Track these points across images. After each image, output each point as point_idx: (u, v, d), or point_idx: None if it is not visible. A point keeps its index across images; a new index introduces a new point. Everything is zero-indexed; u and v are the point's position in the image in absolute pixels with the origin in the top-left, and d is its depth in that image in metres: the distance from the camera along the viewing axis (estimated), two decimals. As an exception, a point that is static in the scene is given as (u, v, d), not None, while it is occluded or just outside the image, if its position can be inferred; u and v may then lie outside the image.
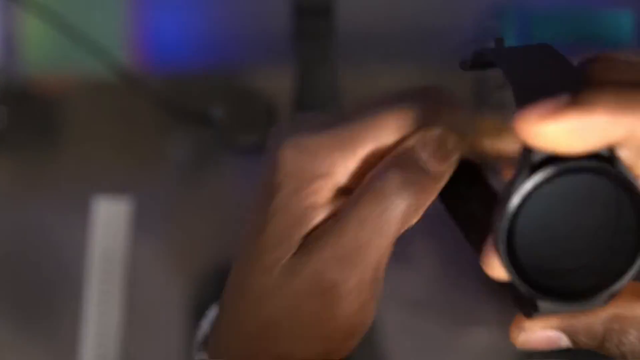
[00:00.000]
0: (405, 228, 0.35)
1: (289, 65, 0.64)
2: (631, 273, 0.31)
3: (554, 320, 0.33)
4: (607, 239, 0.31)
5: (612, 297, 0.32)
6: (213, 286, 0.70)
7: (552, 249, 0.31)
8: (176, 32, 0.79)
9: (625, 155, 0.30)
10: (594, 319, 0.32)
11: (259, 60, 0.77)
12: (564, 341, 0.33)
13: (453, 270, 0.68)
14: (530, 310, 0.32)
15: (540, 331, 0.33)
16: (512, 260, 0.31)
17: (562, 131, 0.28)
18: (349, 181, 0.36)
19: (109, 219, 0.62)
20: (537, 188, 0.30)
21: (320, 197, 0.36)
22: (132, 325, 0.66)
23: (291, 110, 0.63)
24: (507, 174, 0.36)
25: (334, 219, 0.35)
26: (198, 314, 0.70)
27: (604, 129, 0.28)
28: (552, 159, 0.29)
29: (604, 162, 0.29)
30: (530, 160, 0.29)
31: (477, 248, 0.34)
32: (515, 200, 0.30)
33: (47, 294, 0.70)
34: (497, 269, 0.32)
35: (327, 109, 0.62)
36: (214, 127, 0.64)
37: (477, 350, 0.68)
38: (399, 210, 0.34)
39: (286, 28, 0.64)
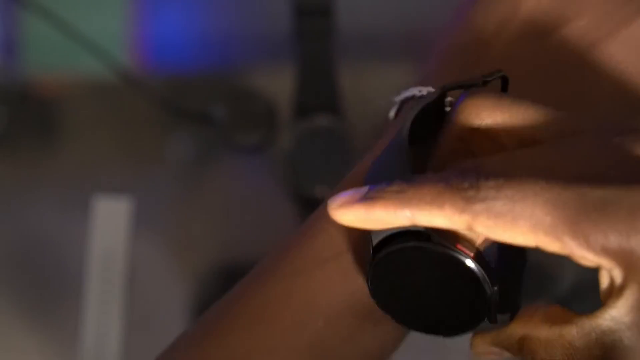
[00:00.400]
0: None
1: (289, 65, 0.64)
2: (473, 327, 0.37)
3: (488, 339, 0.37)
4: (451, 295, 0.36)
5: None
6: (213, 286, 0.70)
7: (413, 302, 0.37)
8: (176, 32, 0.79)
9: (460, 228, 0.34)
10: (511, 338, 0.36)
11: (259, 60, 0.77)
12: (506, 354, 0.38)
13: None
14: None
15: (486, 348, 0.38)
16: (377, 299, 0.37)
17: (355, 218, 0.35)
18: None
19: (109, 218, 0.62)
20: (378, 266, 0.36)
21: None
22: (132, 325, 0.66)
23: (291, 110, 0.63)
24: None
25: None
26: (198, 313, 0.70)
27: (385, 219, 0.34)
28: (388, 238, 0.35)
29: (420, 238, 0.35)
30: (371, 241, 0.36)
31: None
32: (370, 277, 0.36)
33: (47, 294, 0.70)
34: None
35: (328, 109, 0.62)
36: (214, 127, 0.64)
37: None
38: None
39: (286, 28, 0.64)
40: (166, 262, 0.70)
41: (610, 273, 0.34)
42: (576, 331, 0.34)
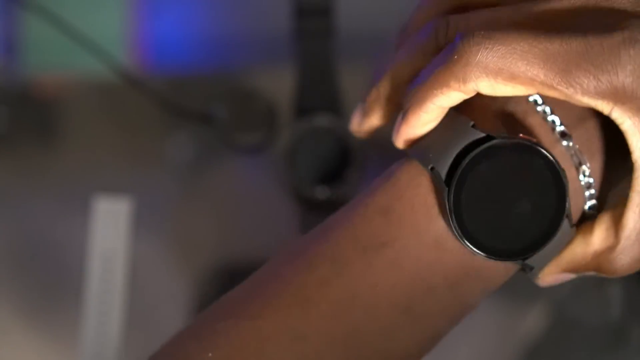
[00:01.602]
0: None
1: (289, 65, 0.64)
2: (554, 239, 0.38)
3: (563, 263, 0.39)
4: (533, 211, 0.37)
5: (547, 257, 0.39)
6: (213, 286, 0.70)
7: (490, 208, 0.37)
8: (176, 32, 0.79)
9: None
10: (585, 255, 0.39)
11: (259, 60, 0.77)
12: (571, 276, 0.41)
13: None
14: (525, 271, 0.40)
15: (557, 275, 0.40)
16: (460, 227, 0.37)
17: (402, 138, 0.39)
18: None
19: (109, 218, 0.62)
20: (457, 187, 0.37)
21: None
22: (132, 325, 0.66)
23: (291, 110, 0.63)
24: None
25: None
26: (198, 313, 0.70)
27: (421, 121, 0.38)
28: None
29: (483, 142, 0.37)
30: (439, 174, 0.37)
31: None
32: (451, 205, 0.37)
33: (47, 294, 0.70)
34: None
35: (328, 109, 0.62)
36: (214, 127, 0.64)
37: (475, 351, 0.68)
38: None
39: (286, 28, 0.64)
40: (166, 262, 0.70)
41: (612, 116, 0.36)
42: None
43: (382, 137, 0.74)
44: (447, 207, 0.37)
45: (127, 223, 0.62)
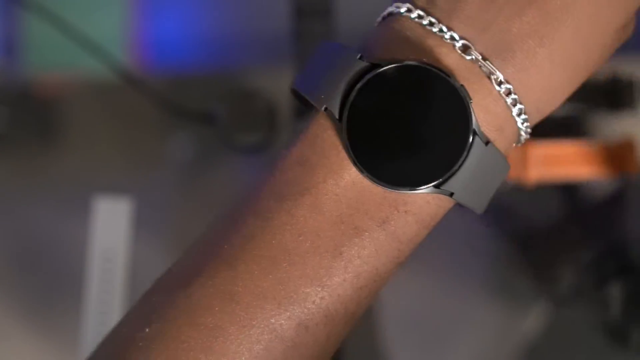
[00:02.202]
0: None
1: (289, 65, 0.64)
2: (462, 159, 0.36)
3: None
4: (437, 134, 0.36)
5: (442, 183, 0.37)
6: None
7: (391, 136, 0.36)
8: (176, 32, 0.79)
9: None
10: None
11: (259, 60, 0.77)
12: None
13: (452, 271, 0.68)
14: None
15: None
16: (360, 159, 0.36)
17: None
18: None
19: (109, 218, 0.62)
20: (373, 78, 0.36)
21: None
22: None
23: (291, 110, 0.63)
24: None
25: None
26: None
27: None
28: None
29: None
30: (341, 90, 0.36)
31: None
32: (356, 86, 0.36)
33: (47, 294, 0.70)
34: None
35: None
36: (214, 127, 0.64)
37: (475, 351, 0.68)
38: None
39: (286, 28, 0.64)
40: (166, 262, 0.70)
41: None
42: None
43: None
44: (342, 142, 0.36)
45: (127, 223, 0.62)
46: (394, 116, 0.36)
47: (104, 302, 0.63)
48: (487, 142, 0.36)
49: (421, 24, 0.37)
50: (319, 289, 0.37)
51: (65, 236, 0.70)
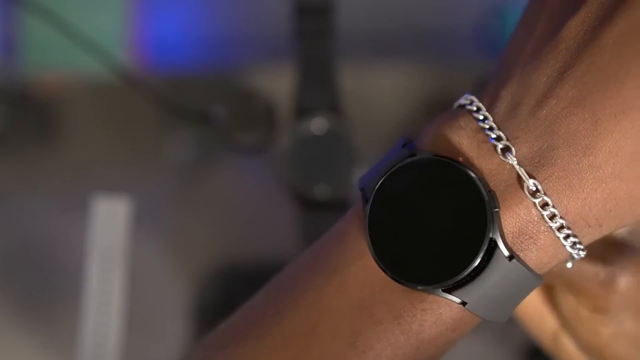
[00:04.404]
0: None
1: (289, 65, 0.64)
2: (471, 268, 0.33)
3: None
4: (453, 235, 0.33)
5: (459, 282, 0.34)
6: (213, 286, 0.70)
7: (408, 226, 0.34)
8: (176, 32, 0.79)
9: None
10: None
11: (259, 60, 0.77)
12: None
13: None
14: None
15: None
16: (375, 246, 0.34)
17: None
18: None
19: (109, 218, 0.62)
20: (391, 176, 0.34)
21: None
22: (131, 324, 0.66)
23: (291, 110, 0.63)
24: None
25: None
26: (198, 313, 0.70)
27: None
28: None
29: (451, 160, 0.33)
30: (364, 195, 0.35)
31: None
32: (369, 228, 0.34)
33: (46, 293, 0.70)
34: None
35: (327, 109, 0.62)
36: (213, 127, 0.64)
37: (476, 351, 0.68)
38: None
39: (286, 28, 0.64)
40: (165, 262, 0.70)
41: None
42: None
43: (382, 135, 0.74)
44: (363, 223, 0.35)
45: (126, 223, 0.62)
46: (416, 207, 0.34)
47: (103, 302, 0.63)
48: (512, 257, 0.33)
49: (476, 119, 0.34)
50: None
51: (65, 236, 0.70)
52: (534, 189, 0.33)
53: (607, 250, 0.39)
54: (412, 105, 0.76)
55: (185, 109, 0.66)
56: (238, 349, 0.38)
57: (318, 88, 0.63)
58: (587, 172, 0.33)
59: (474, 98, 0.35)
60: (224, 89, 0.74)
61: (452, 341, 0.36)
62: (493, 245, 0.33)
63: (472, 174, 0.33)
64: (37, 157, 0.74)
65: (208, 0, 0.79)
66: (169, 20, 0.79)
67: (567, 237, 0.34)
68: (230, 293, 0.70)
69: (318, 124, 0.62)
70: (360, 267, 0.36)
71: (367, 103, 0.74)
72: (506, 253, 0.33)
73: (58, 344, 0.69)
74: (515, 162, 0.33)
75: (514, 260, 0.33)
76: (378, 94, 0.75)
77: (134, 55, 0.77)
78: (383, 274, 0.35)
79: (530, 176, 0.33)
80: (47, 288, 0.70)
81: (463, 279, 0.33)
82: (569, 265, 0.36)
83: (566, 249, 0.34)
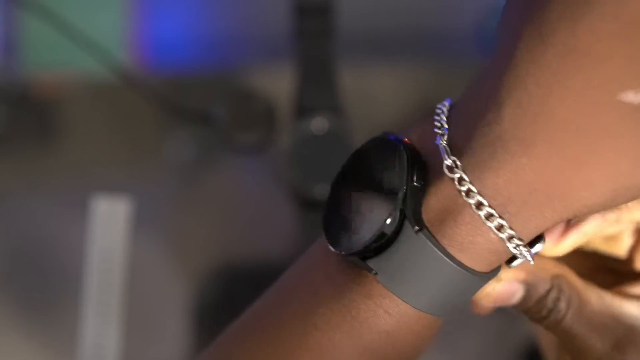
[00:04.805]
0: None
1: (289, 65, 0.64)
2: (375, 234, 0.34)
3: (521, 274, 0.37)
4: (375, 201, 0.35)
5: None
6: (213, 286, 0.70)
7: (344, 210, 0.36)
8: (176, 32, 0.79)
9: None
10: (544, 276, 0.37)
11: (259, 60, 0.77)
12: (515, 299, 0.38)
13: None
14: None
15: (508, 282, 0.37)
16: (324, 220, 0.36)
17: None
18: None
19: (109, 218, 0.62)
20: None
21: None
22: (131, 325, 0.66)
23: (291, 110, 0.63)
24: None
25: None
26: (198, 313, 0.70)
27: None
28: None
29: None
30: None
31: None
32: None
33: (46, 294, 0.70)
34: None
35: (328, 109, 0.62)
36: (214, 127, 0.64)
37: (476, 351, 0.68)
38: None
39: (286, 28, 0.64)
40: (165, 262, 0.70)
41: None
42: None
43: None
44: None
45: (126, 223, 0.62)
46: (353, 183, 0.36)
47: (103, 302, 0.63)
48: (420, 230, 0.34)
49: (438, 120, 0.36)
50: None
51: (64, 236, 0.70)
52: (452, 164, 0.34)
53: (621, 335, 0.38)
54: (412, 105, 0.76)
55: (185, 109, 0.66)
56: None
57: (318, 88, 0.63)
58: (496, 145, 0.33)
59: (446, 103, 0.36)
60: (224, 89, 0.74)
61: (406, 339, 0.37)
62: (404, 217, 0.34)
63: (401, 147, 0.35)
64: (37, 157, 0.74)
65: (208, 0, 0.79)
66: (169, 20, 0.79)
67: (489, 216, 0.33)
68: (230, 293, 0.70)
69: (318, 124, 0.62)
70: (322, 255, 0.37)
71: (367, 103, 0.74)
72: (413, 224, 0.34)
73: (58, 344, 0.69)
74: (445, 144, 0.34)
75: (420, 233, 0.34)
76: (378, 94, 0.75)
77: (134, 55, 0.77)
78: (336, 257, 0.36)
79: (454, 154, 0.34)
80: (47, 288, 0.70)
81: (374, 247, 0.34)
82: (517, 263, 0.35)
83: (491, 230, 0.34)
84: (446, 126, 0.35)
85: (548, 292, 0.37)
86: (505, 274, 0.37)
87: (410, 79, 0.75)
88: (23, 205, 0.72)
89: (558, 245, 0.37)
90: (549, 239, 0.37)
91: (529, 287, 0.38)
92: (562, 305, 0.37)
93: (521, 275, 0.37)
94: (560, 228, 0.37)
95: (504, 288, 0.37)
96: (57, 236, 0.71)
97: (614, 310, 0.37)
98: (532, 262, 0.34)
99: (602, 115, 0.31)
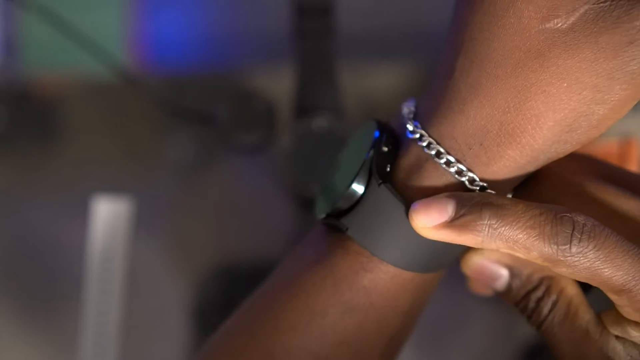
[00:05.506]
0: None
1: (289, 65, 0.64)
2: (344, 191, 0.37)
3: (506, 258, 0.38)
4: (349, 171, 0.38)
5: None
6: (213, 286, 0.70)
7: (329, 179, 0.39)
8: (176, 32, 0.79)
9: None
10: (536, 268, 0.38)
11: (259, 60, 0.77)
12: (500, 283, 0.39)
13: (453, 271, 0.68)
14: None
15: (490, 262, 0.39)
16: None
17: (442, 238, 0.36)
18: None
19: (109, 218, 0.62)
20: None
21: None
22: (131, 324, 0.66)
23: (291, 110, 0.63)
24: None
25: None
26: (198, 313, 0.70)
27: (472, 244, 0.35)
28: None
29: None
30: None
31: None
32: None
33: (46, 294, 0.70)
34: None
35: (328, 109, 0.62)
36: (214, 127, 0.64)
37: (475, 351, 0.68)
38: None
39: (286, 28, 0.64)
40: (165, 262, 0.70)
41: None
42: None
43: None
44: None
45: (126, 223, 0.62)
46: (340, 159, 0.39)
47: (103, 302, 0.63)
48: (382, 183, 0.36)
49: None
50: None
51: (65, 236, 0.70)
52: (413, 128, 0.37)
53: None
54: (412, 105, 0.76)
55: (185, 109, 0.66)
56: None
57: (318, 88, 0.63)
58: (450, 96, 0.36)
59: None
60: (224, 89, 0.74)
61: (405, 299, 0.38)
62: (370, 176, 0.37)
63: (373, 121, 0.38)
64: (37, 157, 0.74)
65: (208, 0, 0.79)
66: (169, 20, 0.79)
67: (449, 163, 0.36)
68: (230, 293, 0.70)
69: (318, 124, 0.62)
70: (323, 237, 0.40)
71: (367, 103, 0.74)
72: (377, 179, 0.36)
73: (58, 344, 0.69)
74: (407, 111, 0.38)
75: (383, 185, 0.36)
76: (378, 94, 0.75)
77: (134, 55, 0.77)
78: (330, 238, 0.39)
79: (418, 119, 0.37)
80: (47, 288, 0.70)
81: (349, 207, 0.37)
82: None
83: (452, 176, 0.36)
84: (414, 104, 0.38)
85: (534, 288, 0.38)
86: (490, 254, 0.38)
87: (410, 79, 0.75)
88: (23, 205, 0.72)
89: (439, 229, 0.36)
90: (427, 211, 0.36)
91: (513, 275, 0.39)
92: (545, 308, 0.38)
93: (505, 259, 0.38)
94: (444, 213, 0.36)
95: (484, 263, 0.38)
96: (58, 236, 0.71)
97: (601, 344, 0.37)
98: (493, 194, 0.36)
99: (537, 44, 0.34)
